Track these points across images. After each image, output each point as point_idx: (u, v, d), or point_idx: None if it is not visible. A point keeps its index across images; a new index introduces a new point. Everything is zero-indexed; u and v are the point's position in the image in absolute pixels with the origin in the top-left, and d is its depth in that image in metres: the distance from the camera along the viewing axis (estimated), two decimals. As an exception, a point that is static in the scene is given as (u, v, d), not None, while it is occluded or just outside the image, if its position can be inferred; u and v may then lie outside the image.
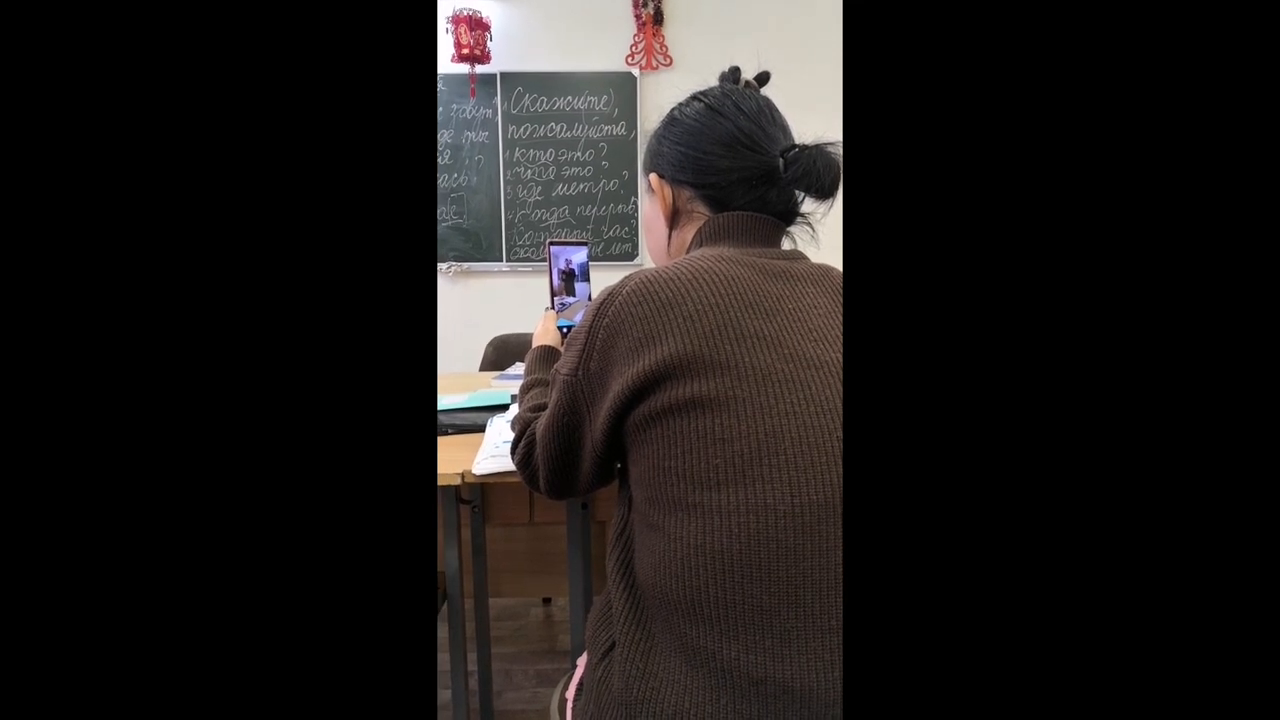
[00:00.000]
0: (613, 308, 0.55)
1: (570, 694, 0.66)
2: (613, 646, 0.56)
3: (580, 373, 0.56)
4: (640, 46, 2.56)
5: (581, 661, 0.66)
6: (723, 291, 0.53)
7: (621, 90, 2.57)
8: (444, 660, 1.40)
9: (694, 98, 0.66)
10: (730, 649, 0.49)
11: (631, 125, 2.59)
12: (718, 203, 0.63)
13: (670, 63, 2.58)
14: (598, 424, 0.56)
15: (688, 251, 0.65)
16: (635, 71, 2.57)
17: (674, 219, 0.66)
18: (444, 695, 1.39)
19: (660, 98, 2.55)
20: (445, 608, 1.02)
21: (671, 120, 0.66)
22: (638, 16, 2.54)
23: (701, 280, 0.54)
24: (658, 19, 2.55)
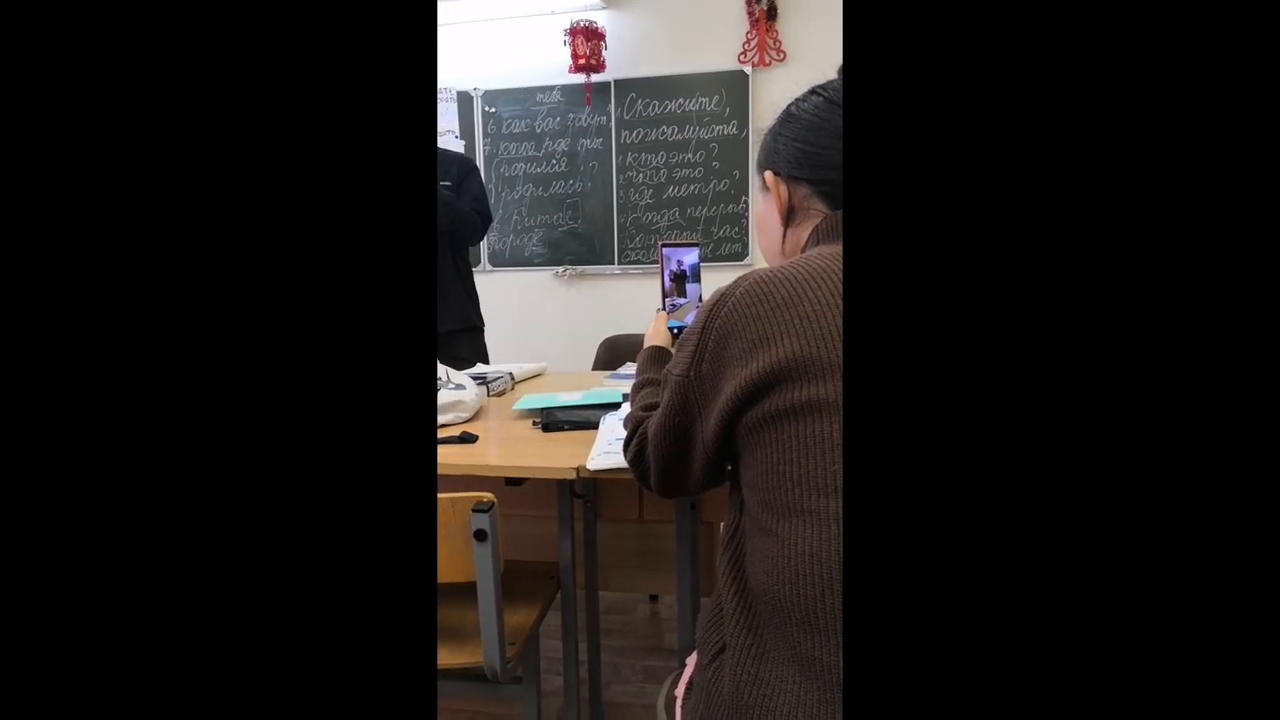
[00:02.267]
0: (725, 308, 0.54)
1: (680, 692, 0.66)
2: (723, 649, 0.56)
3: (692, 374, 0.57)
4: (753, 43, 2.53)
5: (691, 660, 0.67)
6: (841, 291, 0.51)
7: (733, 89, 2.55)
8: (555, 647, 1.46)
9: (812, 92, 0.64)
10: (846, 662, 0.47)
11: (743, 124, 2.56)
12: (835, 199, 0.61)
13: (784, 58, 2.53)
14: (709, 425, 0.56)
15: (803, 250, 0.63)
16: (747, 69, 2.53)
17: (789, 217, 0.65)
18: (555, 681, 1.45)
19: (773, 94, 2.50)
20: (559, 597, 1.07)
21: (788, 116, 0.65)
22: (751, 14, 2.51)
23: (818, 280, 0.52)
24: (771, 14, 2.50)
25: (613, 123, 2.65)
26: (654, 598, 1.81)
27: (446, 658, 0.90)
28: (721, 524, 0.62)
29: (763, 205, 0.68)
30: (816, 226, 0.62)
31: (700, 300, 1.03)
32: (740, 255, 2.62)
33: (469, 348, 1.87)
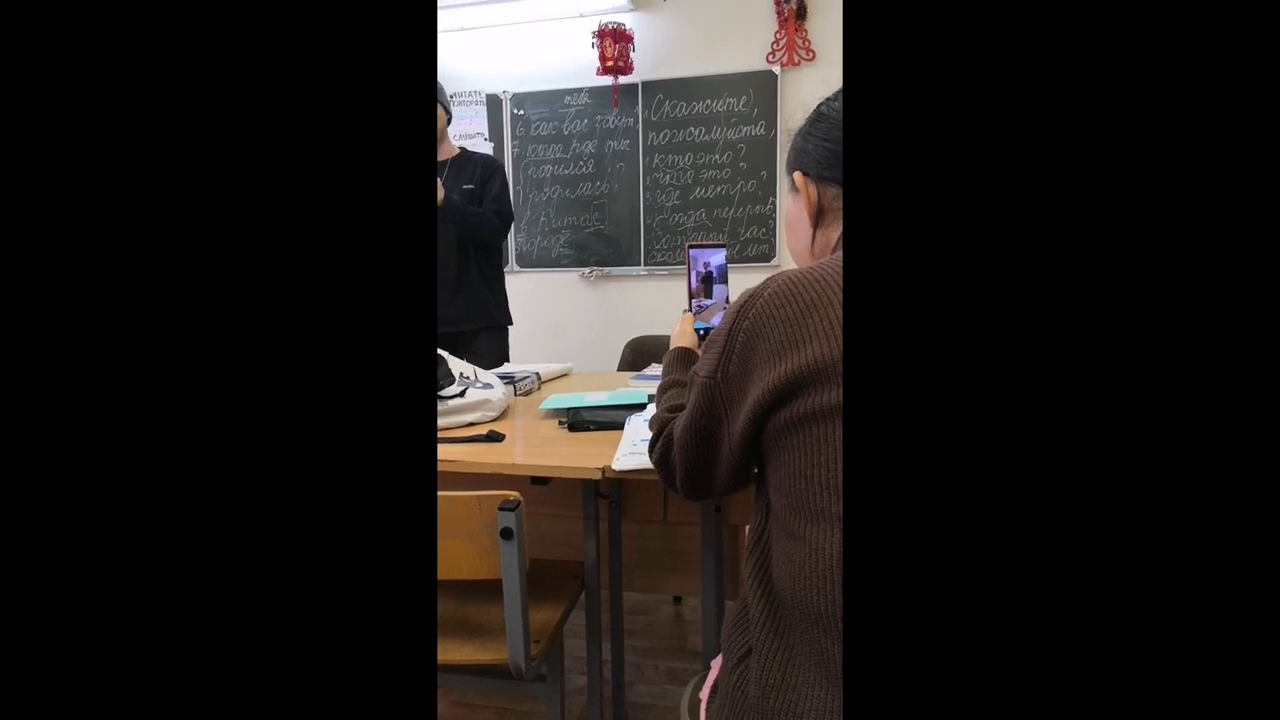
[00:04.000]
0: (754, 310, 0.54)
1: (704, 695, 0.66)
2: (749, 653, 0.56)
3: (719, 375, 0.56)
4: (782, 43, 2.51)
5: (716, 663, 0.66)
6: None
7: (761, 89, 2.54)
8: (579, 647, 1.47)
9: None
10: (874, 669, 0.47)
11: (771, 124, 2.54)
12: None
13: (813, 57, 2.50)
14: (736, 428, 0.56)
15: (833, 252, 0.62)
16: (776, 69, 2.52)
17: (819, 218, 0.64)
18: (579, 680, 1.45)
19: (802, 94, 2.48)
20: (583, 597, 1.07)
21: (818, 116, 0.64)
22: (780, 13, 2.49)
23: None
24: (800, 14, 2.48)
25: (640, 124, 2.66)
26: (678, 600, 1.81)
27: (472, 654, 0.91)
28: (747, 527, 0.61)
29: (792, 206, 0.67)
30: (846, 227, 0.61)
31: (727, 302, 1.02)
32: (767, 256, 2.60)
33: (487, 345, 1.90)
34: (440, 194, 1.70)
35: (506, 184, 1.93)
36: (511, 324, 2.00)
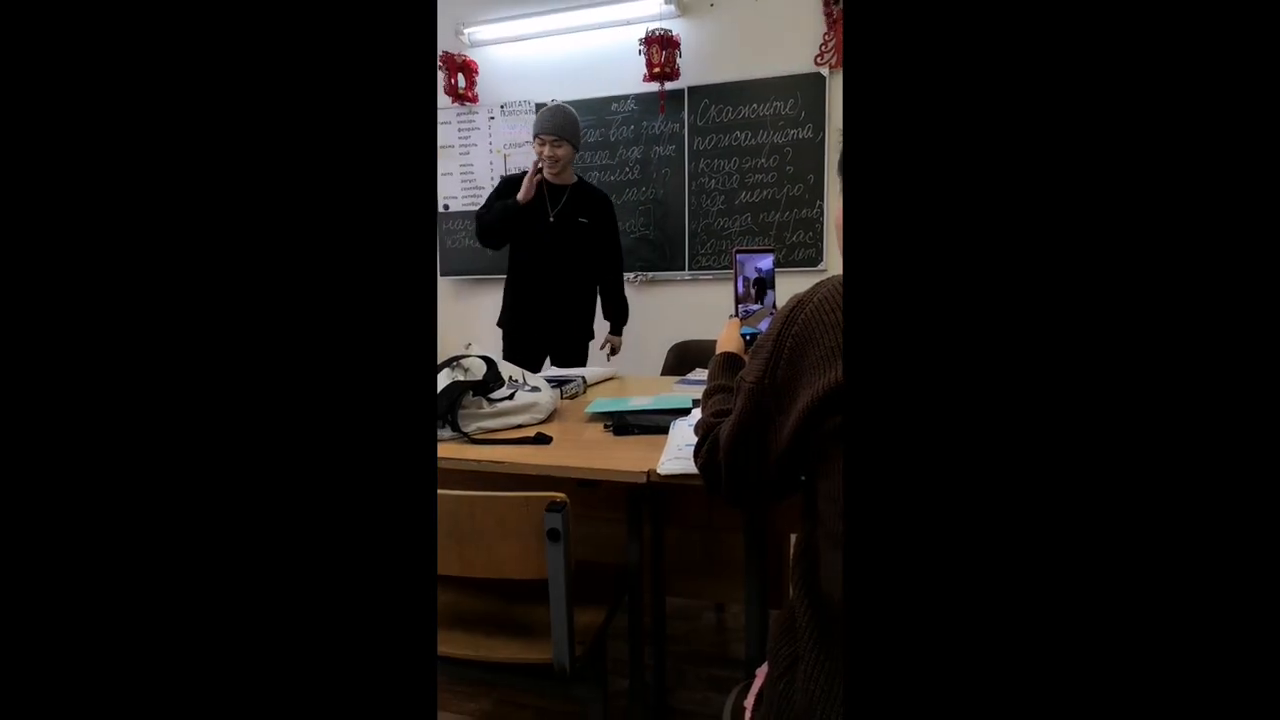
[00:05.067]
0: (803, 315, 0.54)
1: (749, 703, 0.65)
2: (795, 662, 0.55)
3: (766, 381, 0.56)
4: (830, 45, 2.47)
5: (761, 672, 0.66)
6: None
7: (809, 92, 2.51)
8: (622, 649, 1.47)
9: None
10: (926, 684, 0.46)
11: (819, 127, 2.51)
12: None
13: (863, 58, 2.46)
14: (783, 435, 0.55)
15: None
16: (824, 71, 2.48)
17: (870, 223, 0.63)
18: (619, 683, 1.46)
19: (851, 96, 2.43)
20: (626, 599, 1.08)
21: (870, 120, 0.63)
22: (829, 14, 2.46)
23: None
24: (850, 14, 2.44)
25: (686, 129, 2.66)
26: (720, 607, 1.79)
27: (516, 653, 0.93)
28: (793, 535, 0.61)
29: (842, 210, 0.66)
30: (899, 232, 0.60)
31: (774, 307, 1.01)
32: (814, 261, 2.56)
33: (576, 353, 2.13)
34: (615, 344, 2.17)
35: (615, 219, 2.16)
36: (593, 335, 2.16)
